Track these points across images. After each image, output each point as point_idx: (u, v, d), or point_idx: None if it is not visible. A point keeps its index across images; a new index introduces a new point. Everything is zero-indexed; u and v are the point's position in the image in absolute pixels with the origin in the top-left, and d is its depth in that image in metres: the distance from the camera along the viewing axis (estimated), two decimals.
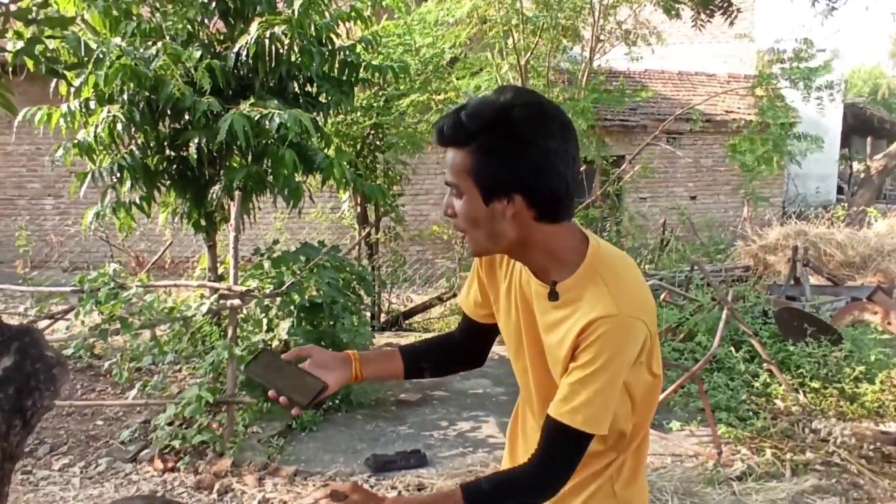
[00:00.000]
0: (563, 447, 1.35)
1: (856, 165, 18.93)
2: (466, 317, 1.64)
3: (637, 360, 1.36)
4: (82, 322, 4.64)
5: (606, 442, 1.47)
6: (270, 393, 1.46)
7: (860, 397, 4.86)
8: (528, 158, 1.27)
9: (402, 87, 6.74)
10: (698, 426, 4.71)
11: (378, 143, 7.12)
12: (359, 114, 6.77)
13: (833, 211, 10.49)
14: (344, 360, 1.53)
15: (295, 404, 1.43)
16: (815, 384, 4.98)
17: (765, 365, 5.13)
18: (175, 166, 5.21)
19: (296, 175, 4.98)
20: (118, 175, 4.86)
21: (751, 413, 4.72)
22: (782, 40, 7.81)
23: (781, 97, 7.66)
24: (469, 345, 1.67)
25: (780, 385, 4.98)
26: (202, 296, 4.53)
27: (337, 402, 5.13)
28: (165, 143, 5.12)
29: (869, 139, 16.96)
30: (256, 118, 4.43)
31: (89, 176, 4.92)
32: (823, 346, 5.29)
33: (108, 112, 4.51)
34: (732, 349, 5.44)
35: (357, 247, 7.12)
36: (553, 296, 1.37)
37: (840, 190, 17.86)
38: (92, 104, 4.74)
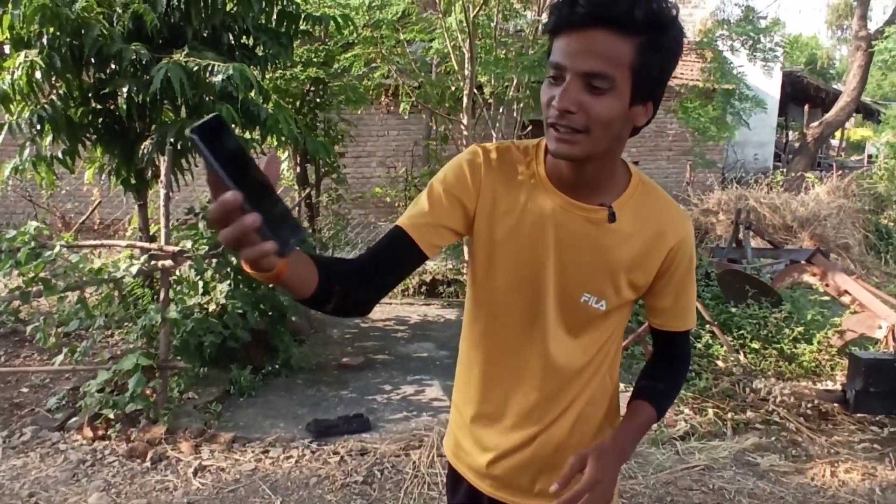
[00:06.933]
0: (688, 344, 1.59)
1: (791, 134, 19.32)
2: (406, 243, 1.28)
3: None
4: (5, 286, 4.36)
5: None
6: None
7: (798, 357, 4.96)
8: (674, 65, 1.17)
9: (346, 36, 6.41)
10: None
11: (318, 100, 6.85)
12: (298, 69, 6.48)
13: (772, 176, 10.65)
14: None
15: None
16: (756, 345, 5.05)
17: (707, 326, 5.18)
18: (101, 119, 4.93)
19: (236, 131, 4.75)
20: (38, 127, 4.57)
21: (693, 374, 4.75)
22: (725, 6, 7.82)
23: (726, 60, 7.65)
24: (379, 278, 1.26)
25: (722, 346, 5.03)
26: (131, 256, 4.28)
27: (277, 366, 4.98)
28: (90, 95, 4.82)
29: (806, 107, 17.33)
30: (194, 69, 4.17)
31: (6, 127, 4.60)
32: (764, 307, 5.36)
33: (26, 57, 4.18)
34: None
35: (297, 208, 6.90)
36: (612, 218, 1.31)
37: (777, 157, 18.26)
38: (7, 48, 4.40)
